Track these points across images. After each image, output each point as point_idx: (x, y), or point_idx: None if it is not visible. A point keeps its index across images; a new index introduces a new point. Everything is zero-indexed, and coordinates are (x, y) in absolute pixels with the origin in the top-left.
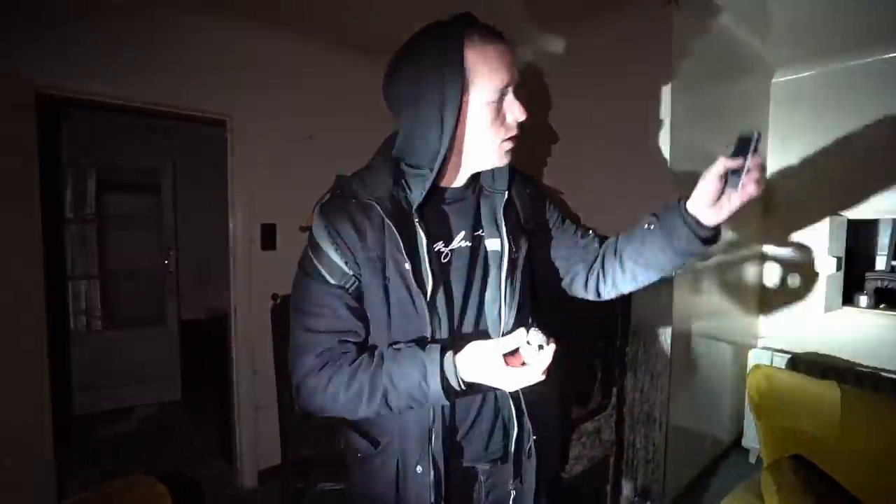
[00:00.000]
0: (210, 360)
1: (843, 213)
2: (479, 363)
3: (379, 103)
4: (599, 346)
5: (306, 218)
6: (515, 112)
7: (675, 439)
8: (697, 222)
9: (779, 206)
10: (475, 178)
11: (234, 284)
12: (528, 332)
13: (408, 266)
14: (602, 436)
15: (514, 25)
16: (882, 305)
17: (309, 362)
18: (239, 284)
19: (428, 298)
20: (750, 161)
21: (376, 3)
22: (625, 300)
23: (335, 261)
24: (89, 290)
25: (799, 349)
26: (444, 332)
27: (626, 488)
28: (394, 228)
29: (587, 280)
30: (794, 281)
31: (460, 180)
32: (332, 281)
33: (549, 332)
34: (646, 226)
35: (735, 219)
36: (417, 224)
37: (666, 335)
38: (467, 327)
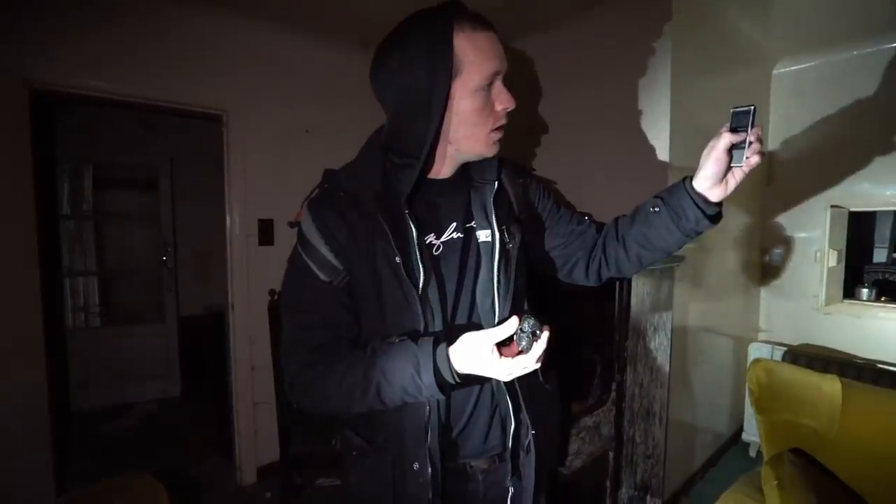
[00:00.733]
0: (208, 357)
1: (843, 205)
2: (473, 354)
3: (374, 97)
4: (599, 340)
5: (296, 214)
6: (504, 100)
7: (674, 434)
8: (705, 200)
9: (779, 198)
10: (465, 169)
11: (231, 281)
12: (521, 319)
13: (398, 259)
14: (601, 431)
15: (511, 15)
16: (883, 298)
17: (302, 358)
18: (236, 280)
19: (420, 291)
20: (751, 135)
21: None
22: (625, 294)
23: (325, 256)
24: (87, 287)
25: (799, 342)
26: (437, 325)
27: (626, 483)
28: (383, 221)
29: (588, 266)
30: (795, 273)
31: (449, 171)
32: (323, 276)
33: (544, 320)
34: (651, 208)
35: (735, 211)
36: (407, 215)
37: (666, 329)
38: (461, 319)
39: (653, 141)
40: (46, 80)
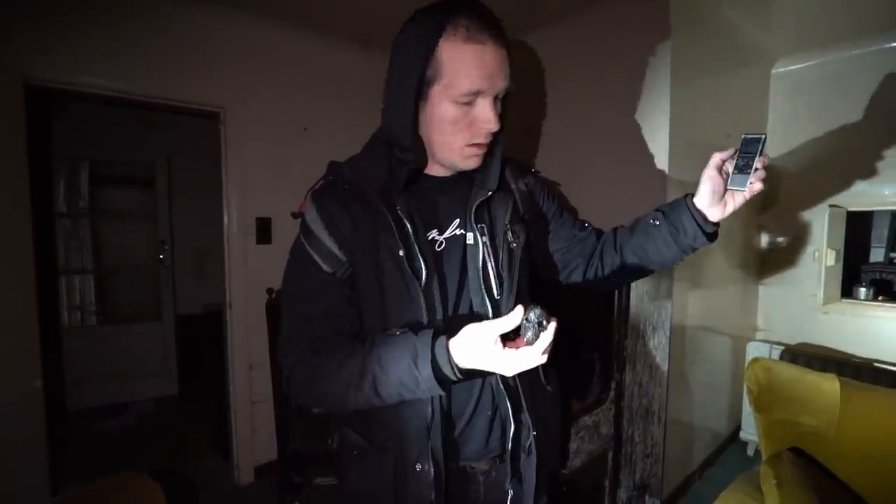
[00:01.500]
0: (206, 356)
1: (842, 205)
2: (475, 347)
3: (375, 95)
4: (598, 339)
5: (299, 205)
6: (484, 120)
7: (673, 433)
8: (704, 218)
9: (778, 197)
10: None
11: (229, 279)
12: (526, 309)
13: (402, 252)
14: (601, 430)
15: (511, 15)
16: (881, 297)
17: (301, 349)
18: (234, 279)
19: (422, 285)
20: (758, 162)
21: None
22: (624, 293)
23: (329, 247)
24: (84, 285)
25: (797, 341)
26: (439, 320)
27: (625, 483)
28: (387, 214)
29: (585, 272)
30: (793, 272)
31: (444, 170)
32: (326, 268)
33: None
34: (651, 221)
35: (734, 211)
36: (398, 210)
37: (665, 328)
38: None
39: (652, 140)
40: (42, 77)
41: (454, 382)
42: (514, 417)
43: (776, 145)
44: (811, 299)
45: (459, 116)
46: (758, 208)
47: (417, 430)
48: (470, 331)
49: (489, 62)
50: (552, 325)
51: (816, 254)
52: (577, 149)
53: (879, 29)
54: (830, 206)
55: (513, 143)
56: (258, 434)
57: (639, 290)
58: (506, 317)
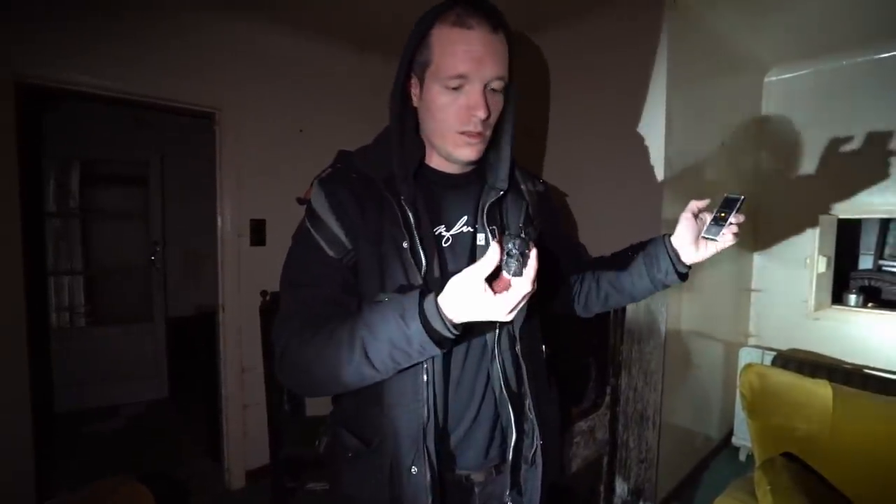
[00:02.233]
0: (197, 358)
1: (832, 212)
2: (463, 296)
3: (371, 98)
4: (594, 344)
5: (305, 191)
6: (472, 105)
7: (667, 438)
8: (678, 257)
9: (769, 205)
10: (481, 167)
11: (222, 281)
12: (502, 242)
13: (406, 244)
14: (596, 435)
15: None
16: (870, 304)
17: (295, 325)
18: (227, 281)
19: (423, 275)
20: (733, 218)
21: None
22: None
23: (335, 232)
24: (73, 286)
25: (788, 347)
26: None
27: (620, 487)
28: (394, 204)
29: (567, 298)
30: (784, 279)
31: (453, 165)
32: (331, 253)
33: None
34: (629, 253)
35: (705, 258)
36: (404, 201)
37: (660, 334)
38: None
39: (647, 148)
40: (33, 74)
41: (452, 341)
42: (516, 426)
43: (769, 152)
44: (802, 306)
45: (448, 102)
46: (750, 215)
47: (413, 432)
48: (454, 281)
49: (476, 46)
50: (534, 252)
51: (808, 261)
52: (572, 157)
53: (871, 40)
54: (821, 213)
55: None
56: (250, 438)
57: None
58: (485, 257)
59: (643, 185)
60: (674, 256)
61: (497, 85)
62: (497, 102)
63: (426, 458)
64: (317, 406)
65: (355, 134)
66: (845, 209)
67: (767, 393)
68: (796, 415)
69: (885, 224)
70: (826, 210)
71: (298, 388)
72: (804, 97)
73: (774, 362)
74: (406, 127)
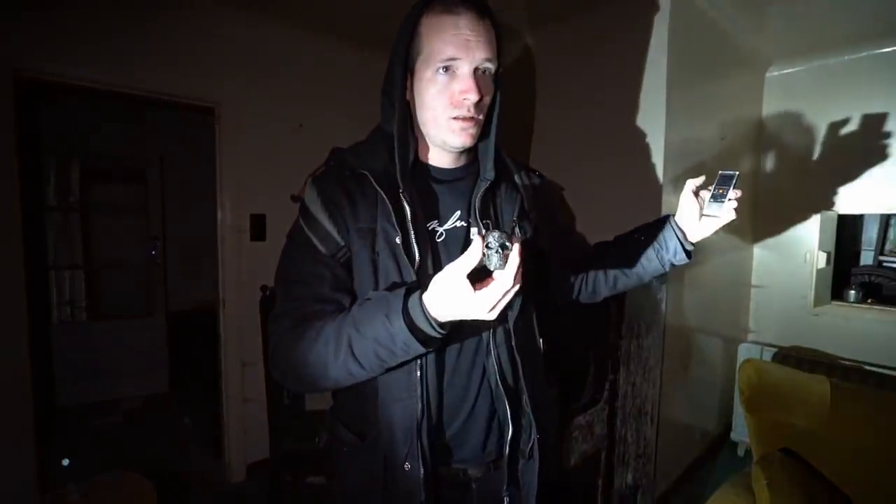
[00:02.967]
0: (198, 353)
1: (833, 208)
2: (445, 293)
3: (370, 93)
4: (592, 339)
5: (299, 189)
6: (461, 87)
7: (665, 433)
8: (685, 236)
9: (769, 200)
10: (473, 162)
11: (222, 276)
12: (484, 236)
13: (398, 239)
14: (594, 430)
15: (506, 18)
16: (870, 300)
17: (287, 322)
18: (227, 276)
19: (416, 271)
20: (731, 193)
21: None
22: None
23: (327, 229)
24: (74, 281)
25: (788, 343)
26: None
27: (618, 482)
28: (387, 200)
29: (572, 286)
30: (784, 275)
31: (446, 159)
32: (324, 250)
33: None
34: (635, 235)
35: (709, 235)
36: (402, 195)
37: (658, 329)
38: None
39: (648, 142)
40: (32, 69)
41: (438, 340)
42: (513, 421)
43: (769, 148)
44: (802, 301)
45: (441, 87)
46: (750, 210)
47: (406, 427)
48: (437, 279)
49: (464, 30)
50: (517, 246)
51: (808, 256)
52: (573, 151)
53: (873, 35)
54: (821, 209)
55: (509, 146)
56: (250, 432)
57: (633, 291)
58: (466, 252)
59: (643, 180)
60: (681, 235)
61: (487, 68)
62: (488, 86)
63: (420, 453)
64: (317, 401)
65: (355, 129)
66: (846, 204)
67: (766, 388)
68: (794, 410)
69: (886, 220)
70: (826, 205)
71: (289, 383)
72: (805, 92)
73: (775, 358)
74: (403, 122)
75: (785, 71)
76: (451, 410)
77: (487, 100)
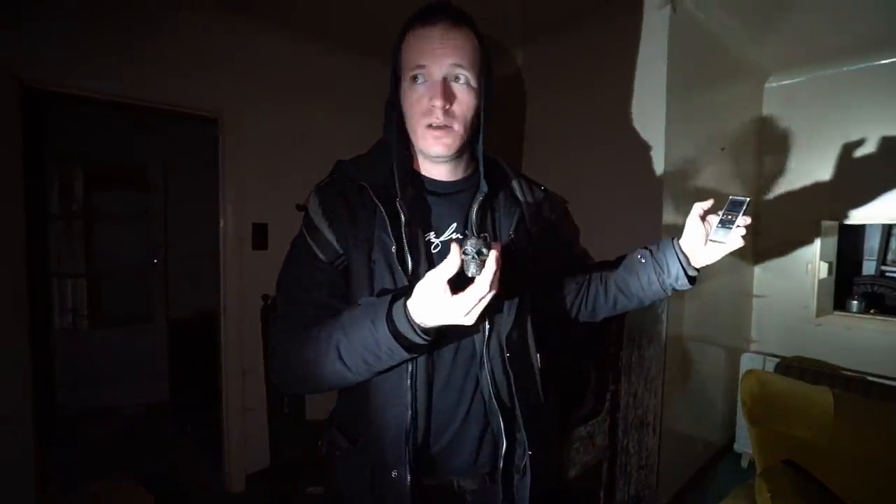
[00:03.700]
0: (198, 361)
1: (834, 218)
2: (427, 299)
3: (373, 103)
4: (594, 349)
5: (305, 199)
6: (428, 96)
7: (667, 444)
8: (688, 261)
9: (770, 210)
10: (474, 174)
11: (224, 284)
12: (461, 242)
13: (394, 249)
14: (595, 440)
15: (507, 29)
16: (872, 311)
17: (285, 326)
18: (229, 284)
19: (409, 280)
20: (740, 220)
21: (368, 2)
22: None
23: (327, 238)
24: (76, 288)
25: (790, 353)
26: None
27: (619, 494)
28: (384, 211)
29: (571, 304)
30: (786, 285)
31: (440, 171)
32: (323, 258)
33: (489, 245)
34: (638, 257)
35: (714, 261)
36: (398, 204)
37: (660, 339)
38: None
39: (647, 153)
40: (37, 79)
41: (423, 346)
42: (507, 435)
43: (768, 158)
44: (804, 311)
45: (414, 98)
46: (751, 221)
47: (394, 434)
48: (419, 285)
49: (434, 39)
50: (493, 253)
51: (809, 266)
52: (572, 162)
53: (871, 46)
54: (823, 219)
55: (507, 155)
56: (250, 441)
57: None
58: (446, 259)
59: (643, 191)
60: (684, 260)
61: (460, 75)
62: (463, 94)
63: (407, 462)
64: (317, 410)
65: (357, 138)
66: (847, 215)
67: (768, 399)
68: (797, 421)
69: (888, 229)
70: (827, 215)
71: (284, 385)
72: (804, 103)
73: (777, 369)
74: (399, 134)
75: (784, 82)
76: (443, 420)
77: (462, 108)
